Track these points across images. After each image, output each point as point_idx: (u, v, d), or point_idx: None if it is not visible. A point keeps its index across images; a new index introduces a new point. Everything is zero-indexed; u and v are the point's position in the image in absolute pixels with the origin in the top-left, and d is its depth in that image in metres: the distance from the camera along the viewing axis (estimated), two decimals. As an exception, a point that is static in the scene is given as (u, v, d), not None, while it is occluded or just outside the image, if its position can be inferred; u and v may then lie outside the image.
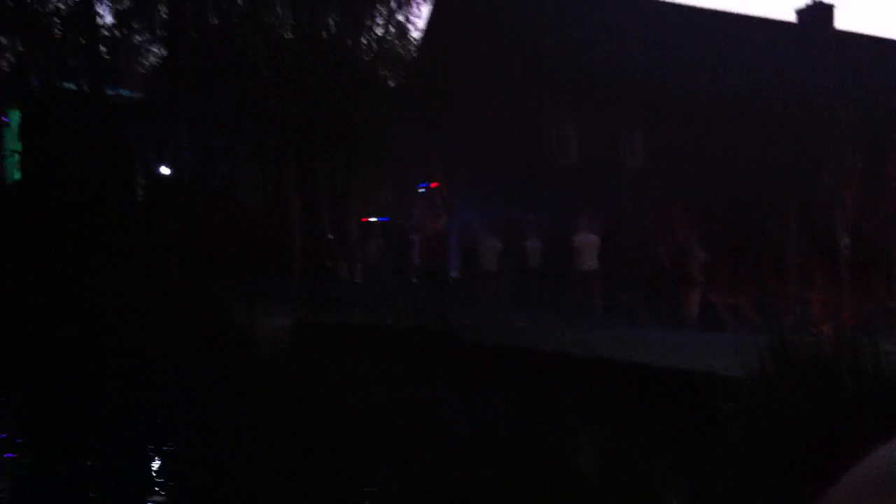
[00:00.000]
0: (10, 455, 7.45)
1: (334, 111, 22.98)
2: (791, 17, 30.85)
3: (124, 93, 23.94)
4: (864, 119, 18.67)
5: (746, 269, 13.30)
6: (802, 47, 27.18)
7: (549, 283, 16.19)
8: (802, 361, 6.20)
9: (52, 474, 6.85)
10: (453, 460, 6.93)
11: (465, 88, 23.74)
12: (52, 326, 14.29)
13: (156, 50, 25.95)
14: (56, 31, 23.45)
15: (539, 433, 8.16)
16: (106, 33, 23.60)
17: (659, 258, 14.95)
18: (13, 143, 23.86)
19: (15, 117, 23.85)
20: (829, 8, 30.07)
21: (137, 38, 24.94)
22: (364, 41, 26.13)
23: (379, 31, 26.49)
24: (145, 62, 26.66)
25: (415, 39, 27.44)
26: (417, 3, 26.38)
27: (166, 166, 23.59)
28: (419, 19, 27.44)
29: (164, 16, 24.01)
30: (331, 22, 25.01)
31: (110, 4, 23.65)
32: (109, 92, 22.76)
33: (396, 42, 27.42)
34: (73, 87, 22.62)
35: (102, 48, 23.22)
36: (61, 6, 23.42)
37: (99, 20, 23.61)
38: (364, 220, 24.26)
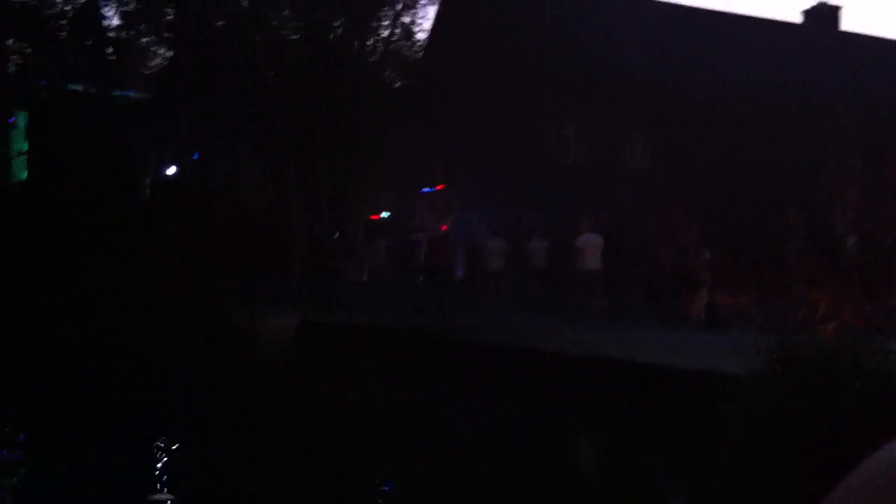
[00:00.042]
0: (10, 454, 7.45)
1: (335, 112, 22.99)
2: (798, 19, 30.80)
3: (130, 94, 24.00)
4: (865, 119, 18.67)
5: (748, 268, 13.30)
6: (806, 48, 27.15)
7: (551, 284, 16.19)
8: (803, 361, 6.19)
9: (52, 474, 6.85)
10: (454, 460, 6.93)
11: (465, 89, 23.75)
12: (52, 325, 14.30)
13: (160, 51, 25.97)
14: (62, 33, 23.54)
15: (539, 433, 8.16)
16: (112, 34, 23.67)
17: (660, 258, 14.95)
18: (20, 144, 23.98)
19: (22, 118, 23.97)
20: (836, 9, 30.07)
21: (144, 39, 24.96)
22: (370, 42, 26.16)
23: (385, 33, 26.52)
24: (151, 63, 26.69)
25: (420, 41, 27.47)
26: (423, 5, 26.42)
27: (167, 167, 23.63)
28: (425, 20, 27.30)
29: (170, 17, 24.05)
30: (337, 23, 25.03)
31: (116, 6, 23.71)
32: (115, 93, 22.85)
33: (403, 42, 27.43)
34: (78, 88, 22.71)
35: (108, 49, 23.29)
36: (67, 8, 23.50)
37: (104, 22, 23.70)
38: (374, 216, 24.34)
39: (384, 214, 24.72)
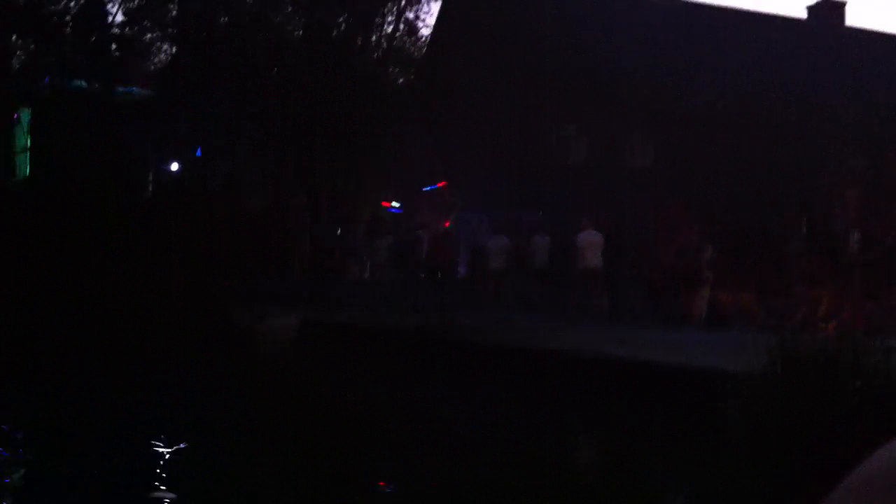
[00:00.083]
0: (10, 454, 7.45)
1: (335, 111, 22.98)
2: (802, 15, 30.55)
3: (134, 91, 24.01)
4: (866, 119, 18.66)
5: (748, 268, 13.31)
6: (810, 45, 27.04)
7: (551, 283, 16.20)
8: (803, 361, 6.19)
9: (52, 474, 6.85)
10: (454, 460, 6.93)
11: (466, 89, 23.75)
12: (52, 325, 14.29)
13: (163, 48, 26.01)
14: (66, 30, 23.57)
15: (539, 433, 8.16)
16: (116, 31, 23.69)
17: (660, 257, 14.95)
18: (23, 141, 24.02)
19: (25, 115, 24.02)
20: (841, 5, 29.95)
21: (148, 35, 24.98)
22: (373, 39, 26.14)
23: (388, 28, 26.52)
24: (154, 60, 26.69)
25: (423, 37, 27.48)
26: (427, 1, 26.40)
27: (168, 166, 23.63)
28: (428, 16, 27.34)
29: (173, 14, 24.07)
30: (341, 20, 25.01)
31: (120, 3, 23.74)
32: (119, 90, 22.86)
33: (406, 39, 27.42)
34: (82, 84, 22.72)
35: (112, 46, 23.32)
36: (71, 4, 23.54)
37: (108, 19, 23.73)
38: (386, 203, 24.38)
39: (395, 203, 24.73)
